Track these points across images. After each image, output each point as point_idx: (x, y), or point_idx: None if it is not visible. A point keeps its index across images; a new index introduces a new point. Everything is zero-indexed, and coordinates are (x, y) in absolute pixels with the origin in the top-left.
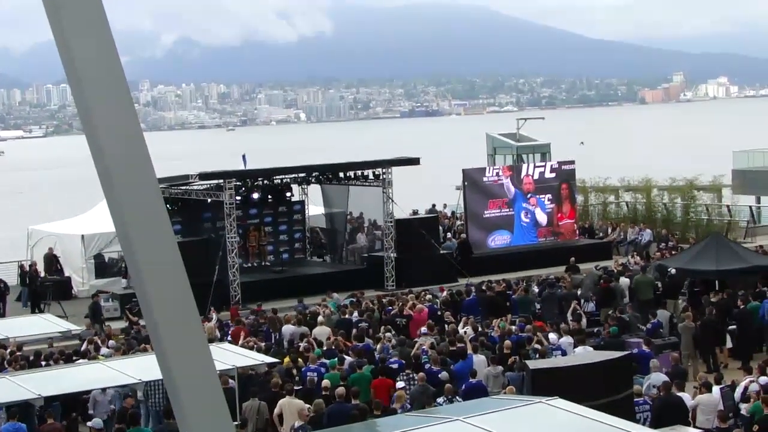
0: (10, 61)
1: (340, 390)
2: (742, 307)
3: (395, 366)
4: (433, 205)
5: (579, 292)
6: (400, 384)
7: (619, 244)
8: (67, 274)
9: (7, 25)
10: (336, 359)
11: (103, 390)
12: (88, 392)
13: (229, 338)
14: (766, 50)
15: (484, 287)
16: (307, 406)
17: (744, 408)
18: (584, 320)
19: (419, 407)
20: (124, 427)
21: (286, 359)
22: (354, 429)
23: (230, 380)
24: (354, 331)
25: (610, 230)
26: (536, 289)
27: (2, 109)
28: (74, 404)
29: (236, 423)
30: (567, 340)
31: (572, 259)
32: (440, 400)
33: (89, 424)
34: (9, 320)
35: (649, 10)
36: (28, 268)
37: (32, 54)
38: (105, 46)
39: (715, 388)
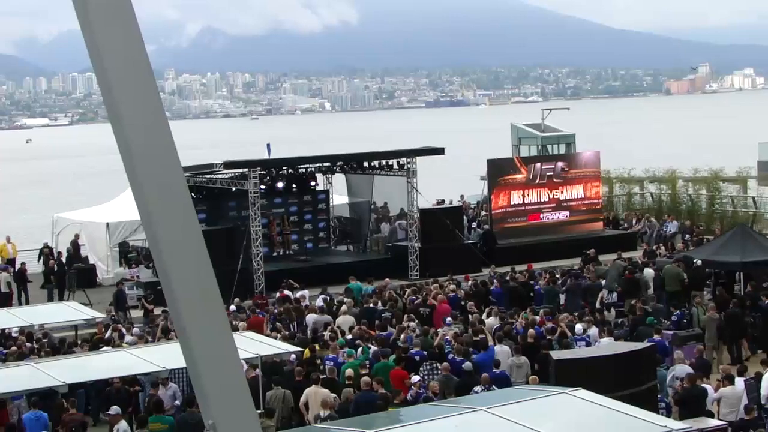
0: (37, 50)
1: (366, 379)
2: (766, 300)
3: (417, 357)
4: (462, 196)
5: (603, 283)
6: (415, 378)
7: (643, 235)
8: (91, 261)
9: (33, 14)
10: (354, 349)
11: (164, 384)
12: (111, 381)
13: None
14: None
15: (508, 278)
16: (333, 395)
17: (764, 398)
18: (612, 311)
19: (442, 397)
20: (145, 415)
21: (308, 349)
22: (379, 417)
23: (254, 369)
24: (377, 321)
25: (635, 221)
26: (560, 280)
27: (29, 97)
28: (97, 392)
29: (259, 411)
30: (592, 330)
31: (592, 250)
32: (477, 388)
33: (109, 412)
34: (34, 307)
35: (673, 1)
36: (54, 255)
37: (58, 42)
38: (131, 34)
39: (739, 380)
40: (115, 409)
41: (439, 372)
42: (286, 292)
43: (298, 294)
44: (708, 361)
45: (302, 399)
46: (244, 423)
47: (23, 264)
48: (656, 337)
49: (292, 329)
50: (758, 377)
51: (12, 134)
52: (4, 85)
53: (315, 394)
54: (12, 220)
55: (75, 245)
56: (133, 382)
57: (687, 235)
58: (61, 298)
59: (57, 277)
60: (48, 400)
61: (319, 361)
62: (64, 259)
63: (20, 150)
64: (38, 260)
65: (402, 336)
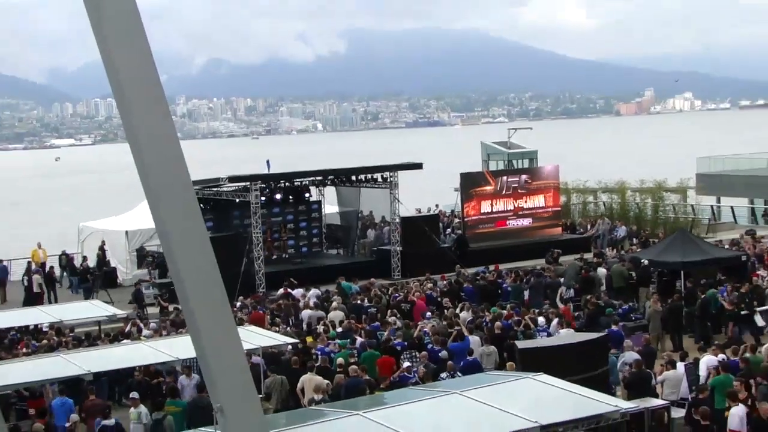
0: (64, 78)
1: (354, 367)
2: (702, 296)
3: (399, 347)
4: (436, 206)
5: (562, 281)
6: (406, 363)
7: (597, 239)
8: (113, 265)
9: (60, 46)
10: (347, 340)
11: (188, 375)
12: (132, 369)
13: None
14: (723, 70)
15: (478, 278)
16: (326, 381)
17: (702, 379)
18: (570, 305)
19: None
20: (162, 399)
21: (309, 339)
22: (365, 400)
23: (255, 357)
24: (363, 315)
25: (589, 227)
26: (524, 278)
27: (57, 120)
28: (119, 379)
29: (261, 396)
30: (553, 322)
31: (558, 251)
32: (443, 375)
33: (130, 396)
34: (62, 306)
35: (621, 34)
36: (79, 259)
37: (82, 71)
38: (146, 66)
39: (680, 365)
40: (134, 395)
41: (419, 360)
42: (289, 290)
43: (295, 292)
44: (653, 348)
45: (299, 385)
46: (247, 405)
47: (51, 267)
48: (614, 327)
49: (290, 323)
50: (696, 362)
51: (43, 153)
52: (35, 110)
53: (309, 381)
54: (42, 228)
55: (102, 251)
56: (155, 374)
57: (635, 239)
58: (86, 298)
59: (83, 279)
60: (75, 387)
61: (313, 351)
62: (91, 264)
63: (50, 166)
64: (26, 273)
65: (386, 333)
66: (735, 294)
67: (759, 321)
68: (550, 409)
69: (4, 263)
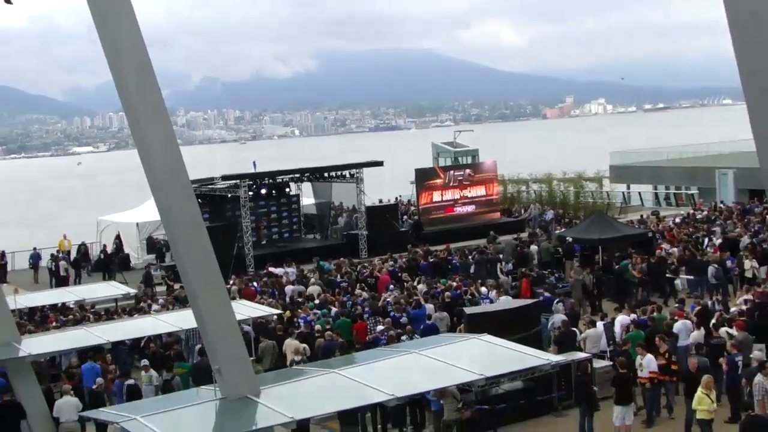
0: (82, 96)
1: (329, 332)
2: (616, 266)
3: (366, 315)
4: (399, 196)
5: (501, 257)
6: (380, 327)
7: (529, 221)
8: (126, 252)
9: (80, 67)
10: (324, 310)
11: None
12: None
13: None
14: (633, 78)
15: (431, 257)
16: (303, 345)
17: (618, 335)
18: (509, 277)
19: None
20: (171, 363)
21: (288, 311)
22: (340, 360)
23: (245, 327)
24: (336, 289)
25: (523, 211)
26: (470, 255)
27: (77, 132)
28: (134, 348)
29: (252, 358)
30: (493, 292)
31: (491, 232)
32: (404, 338)
33: (141, 363)
34: (85, 286)
35: (545, 50)
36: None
37: (99, 89)
38: (150, 84)
39: (599, 324)
40: (144, 362)
41: (383, 324)
42: (271, 269)
43: (277, 270)
44: (577, 311)
45: (284, 348)
46: (241, 367)
47: (79, 253)
48: (547, 294)
49: (275, 297)
50: (612, 321)
51: (66, 159)
52: (59, 123)
53: (289, 345)
54: (68, 220)
55: (119, 240)
56: (169, 345)
57: (561, 220)
58: (104, 279)
59: (103, 264)
60: (97, 353)
61: (296, 320)
62: (109, 251)
63: (73, 170)
64: (52, 256)
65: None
66: (644, 264)
67: (679, 285)
68: (493, 363)
69: (37, 251)
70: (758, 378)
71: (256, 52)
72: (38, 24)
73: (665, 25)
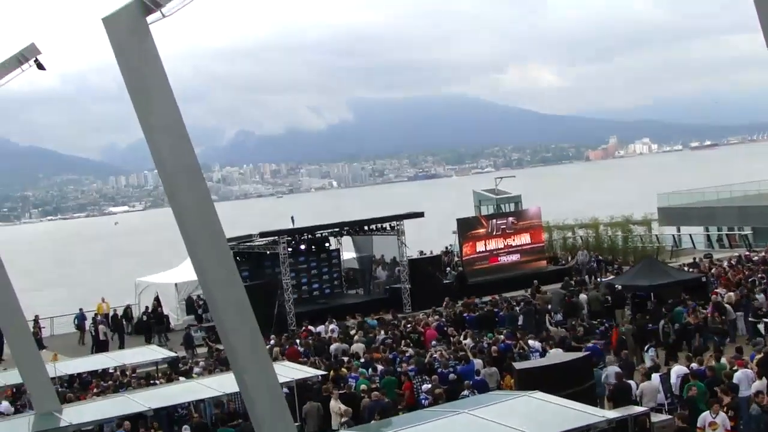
0: (116, 155)
1: (376, 393)
2: (668, 313)
3: (411, 372)
4: (450, 245)
5: (549, 307)
6: (425, 386)
7: (577, 270)
8: (165, 313)
9: (113, 126)
10: (369, 368)
11: None
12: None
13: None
14: (675, 118)
15: (478, 308)
16: (345, 407)
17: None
18: (559, 328)
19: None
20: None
21: (333, 370)
22: (387, 422)
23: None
24: (381, 346)
25: (570, 258)
26: (516, 306)
27: (113, 191)
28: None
29: (297, 424)
30: (544, 345)
31: (535, 282)
32: (466, 392)
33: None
34: (125, 351)
35: (586, 92)
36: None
37: (133, 148)
38: (183, 142)
39: (655, 376)
40: (186, 428)
41: (429, 382)
42: (310, 327)
43: (318, 329)
44: (631, 362)
45: (331, 409)
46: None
47: (121, 316)
48: (594, 344)
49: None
50: (668, 373)
51: (102, 219)
52: (94, 183)
53: (334, 407)
54: (106, 282)
55: (158, 301)
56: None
57: (610, 267)
58: (146, 341)
59: (145, 326)
60: (136, 421)
61: (342, 380)
62: (149, 312)
63: (111, 230)
64: (92, 321)
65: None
66: (699, 311)
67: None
68: (546, 422)
69: (82, 312)
70: None
71: (290, 104)
72: (70, 84)
73: (708, 61)
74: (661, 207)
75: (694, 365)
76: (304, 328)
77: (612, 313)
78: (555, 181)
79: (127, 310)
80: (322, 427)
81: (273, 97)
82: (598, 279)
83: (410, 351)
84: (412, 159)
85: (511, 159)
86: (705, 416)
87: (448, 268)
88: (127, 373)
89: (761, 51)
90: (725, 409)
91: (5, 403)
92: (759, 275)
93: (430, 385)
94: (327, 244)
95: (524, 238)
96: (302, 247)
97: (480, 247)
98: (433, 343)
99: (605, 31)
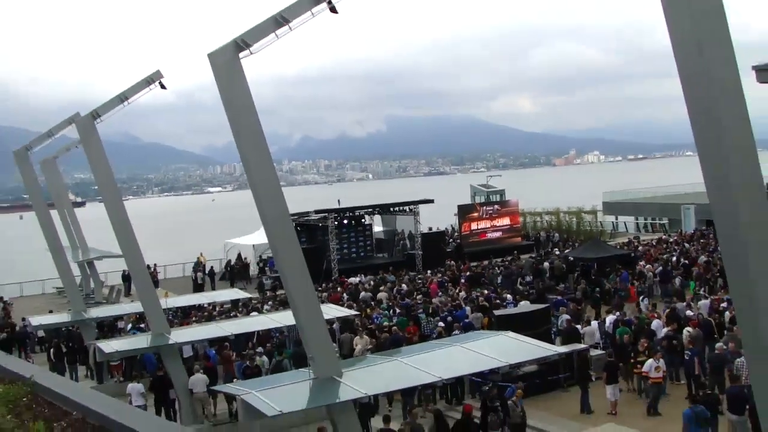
0: (215, 150)
1: (395, 328)
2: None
3: (422, 315)
4: (451, 225)
5: (522, 271)
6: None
7: (542, 244)
8: (248, 264)
9: (212, 131)
10: (387, 311)
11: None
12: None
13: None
14: (618, 137)
15: (472, 270)
16: (369, 339)
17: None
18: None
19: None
20: (280, 348)
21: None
22: (400, 350)
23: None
24: (398, 295)
25: (538, 235)
26: (498, 270)
27: (211, 176)
28: (249, 338)
29: (336, 348)
30: (516, 297)
31: (515, 252)
32: (457, 331)
33: (256, 350)
34: (215, 292)
35: (554, 116)
36: (228, 264)
37: (227, 146)
38: (260, 142)
39: (594, 322)
40: (260, 350)
41: (433, 322)
42: (350, 280)
43: (352, 279)
44: (579, 312)
45: (354, 341)
46: (328, 355)
47: (212, 267)
48: (559, 297)
49: (354, 301)
50: (604, 320)
51: (203, 197)
52: (198, 170)
53: (358, 340)
54: (205, 243)
55: (240, 258)
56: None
57: (566, 243)
58: (231, 286)
59: (230, 275)
60: (221, 342)
61: (368, 319)
62: (233, 265)
63: (209, 205)
64: (193, 269)
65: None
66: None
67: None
68: (515, 353)
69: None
70: (740, 359)
71: (341, 118)
72: (183, 99)
73: (643, 96)
74: (605, 201)
75: (621, 314)
76: (341, 279)
77: (566, 276)
78: (529, 180)
79: (228, 264)
80: (352, 352)
81: (328, 112)
82: (557, 251)
83: (420, 299)
84: (428, 160)
85: (498, 163)
86: (650, 363)
87: (450, 240)
88: (216, 307)
89: (680, 91)
90: (646, 349)
91: (129, 326)
92: (673, 253)
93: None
94: (363, 220)
95: (506, 221)
96: (345, 221)
97: (474, 226)
98: (437, 294)
99: (568, 71)
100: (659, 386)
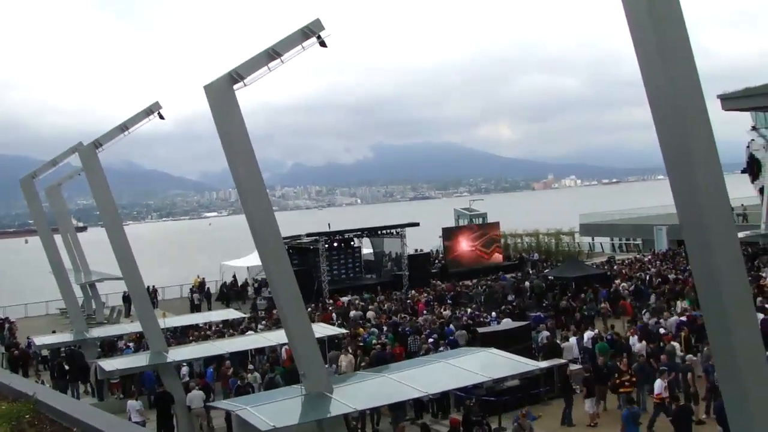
0: (211, 176)
1: (378, 347)
2: (583, 296)
3: (408, 332)
4: (436, 248)
5: (504, 290)
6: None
7: (523, 264)
8: (243, 286)
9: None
10: (376, 329)
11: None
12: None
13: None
14: (593, 162)
15: (454, 289)
16: (350, 357)
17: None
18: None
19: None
20: (272, 365)
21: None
22: (388, 367)
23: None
24: (384, 315)
25: (519, 256)
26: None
27: (207, 201)
28: (244, 357)
29: (326, 365)
30: (498, 315)
31: (500, 272)
32: (441, 349)
33: (248, 368)
34: (211, 312)
35: (531, 142)
36: (224, 285)
37: (222, 173)
38: (254, 170)
39: (573, 338)
40: (250, 366)
41: (419, 340)
42: (341, 299)
43: (343, 299)
44: (557, 329)
45: (339, 360)
46: (318, 372)
47: (208, 288)
48: (538, 314)
49: (344, 320)
50: (582, 336)
51: (200, 221)
52: (195, 196)
53: (344, 358)
54: (201, 264)
55: (235, 279)
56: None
57: (545, 263)
58: (226, 306)
59: (224, 296)
60: (217, 360)
61: (359, 338)
62: (228, 285)
63: (205, 228)
64: (190, 291)
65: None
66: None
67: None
68: (498, 368)
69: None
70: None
71: (330, 145)
72: (181, 127)
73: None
74: (582, 223)
75: (599, 331)
76: (331, 299)
77: (546, 295)
78: (510, 203)
79: (223, 286)
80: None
81: (318, 140)
82: (530, 271)
83: (407, 317)
84: (413, 185)
85: (480, 187)
86: (659, 383)
87: (435, 261)
88: (212, 327)
89: (651, 118)
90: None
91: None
92: (647, 272)
93: (420, 342)
94: (352, 243)
95: (488, 242)
96: (335, 244)
97: (458, 247)
98: (424, 312)
99: (545, 100)
100: (663, 405)
